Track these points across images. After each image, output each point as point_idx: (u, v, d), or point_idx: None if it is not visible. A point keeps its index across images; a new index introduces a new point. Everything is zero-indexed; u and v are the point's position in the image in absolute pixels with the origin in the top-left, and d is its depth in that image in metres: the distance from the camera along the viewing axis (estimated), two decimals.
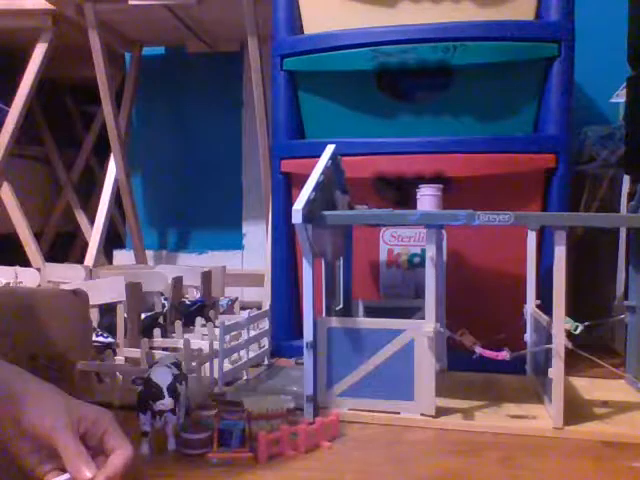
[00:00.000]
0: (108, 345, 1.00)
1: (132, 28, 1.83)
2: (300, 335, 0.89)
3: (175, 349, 1.07)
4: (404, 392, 0.84)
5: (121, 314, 1.05)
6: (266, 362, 1.16)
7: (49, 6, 1.65)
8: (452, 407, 0.87)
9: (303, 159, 1.19)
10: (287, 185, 1.26)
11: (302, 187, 0.87)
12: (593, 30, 1.51)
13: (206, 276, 1.32)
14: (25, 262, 1.69)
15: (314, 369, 0.86)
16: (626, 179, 1.30)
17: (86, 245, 1.89)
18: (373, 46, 1.14)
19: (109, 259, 2.08)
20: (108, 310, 1.08)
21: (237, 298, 1.44)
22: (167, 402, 0.71)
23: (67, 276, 1.28)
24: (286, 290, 1.27)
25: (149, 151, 2.08)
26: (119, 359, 0.94)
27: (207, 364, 0.97)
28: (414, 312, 1.00)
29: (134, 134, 2.06)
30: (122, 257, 2.04)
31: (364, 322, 0.87)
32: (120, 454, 0.54)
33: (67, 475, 0.52)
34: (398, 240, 1.18)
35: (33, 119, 2.22)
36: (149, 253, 2.01)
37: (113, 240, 2.18)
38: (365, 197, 1.13)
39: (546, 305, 0.91)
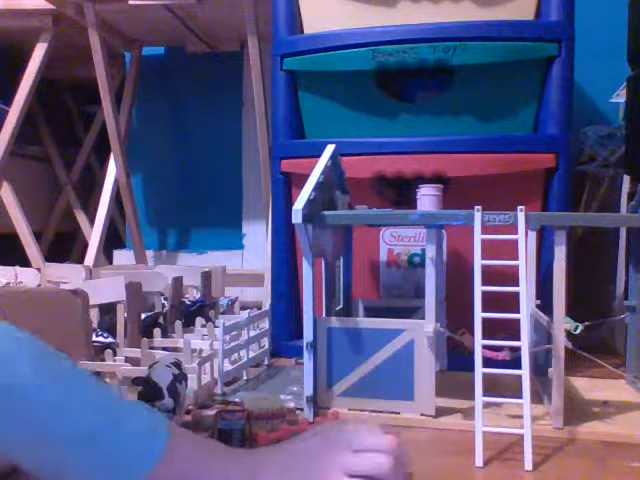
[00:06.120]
0: (108, 345, 1.00)
1: (132, 28, 1.83)
2: (300, 335, 0.89)
3: (175, 349, 1.07)
4: (404, 392, 0.84)
5: (121, 314, 1.05)
6: (266, 362, 1.16)
7: (49, 6, 1.65)
8: (452, 407, 0.87)
9: (303, 159, 1.19)
10: (287, 185, 1.26)
11: (302, 187, 0.87)
12: (593, 30, 1.51)
13: (206, 276, 1.32)
14: (25, 262, 1.69)
15: (314, 369, 0.86)
16: (626, 179, 1.30)
17: (86, 245, 1.89)
18: (373, 46, 1.14)
19: (109, 259, 2.08)
20: (108, 310, 1.08)
21: (237, 298, 1.44)
22: (167, 402, 0.72)
23: (67, 276, 1.28)
24: (286, 290, 1.27)
25: (149, 151, 2.08)
26: (119, 359, 0.94)
27: (207, 364, 0.97)
28: (414, 312, 1.00)
29: (134, 134, 2.05)
30: (122, 257, 2.04)
31: (364, 322, 0.87)
32: None
33: None
34: (398, 240, 1.18)
35: (33, 119, 2.22)
36: (149, 253, 2.01)
37: (113, 240, 2.18)
38: (365, 197, 1.13)
39: (546, 305, 0.91)
